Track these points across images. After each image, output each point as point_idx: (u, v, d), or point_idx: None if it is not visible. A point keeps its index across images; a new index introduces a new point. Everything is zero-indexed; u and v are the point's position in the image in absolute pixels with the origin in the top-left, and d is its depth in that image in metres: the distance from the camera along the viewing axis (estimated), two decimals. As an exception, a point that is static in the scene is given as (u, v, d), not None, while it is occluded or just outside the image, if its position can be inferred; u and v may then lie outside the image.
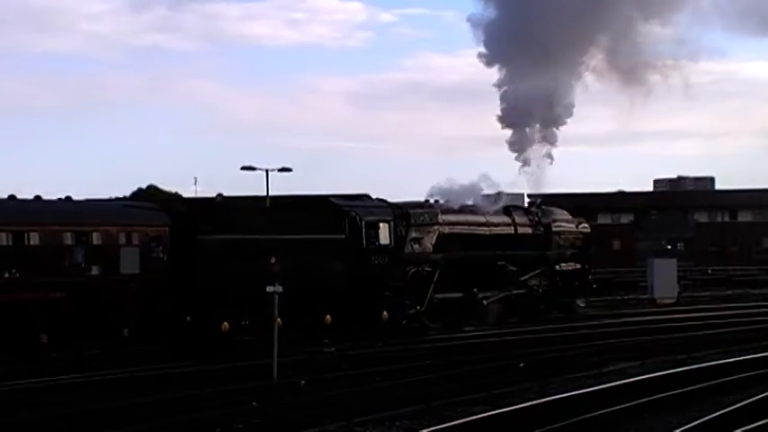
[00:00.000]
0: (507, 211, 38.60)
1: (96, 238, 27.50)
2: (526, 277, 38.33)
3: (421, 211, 35.14)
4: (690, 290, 54.54)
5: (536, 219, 39.70)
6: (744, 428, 14.23)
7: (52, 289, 25.77)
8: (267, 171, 48.15)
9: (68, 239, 26.97)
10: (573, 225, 41.70)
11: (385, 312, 32.06)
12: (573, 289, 40.77)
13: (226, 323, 27.61)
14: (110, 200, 30.50)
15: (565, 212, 41.95)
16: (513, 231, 38.42)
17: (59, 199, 29.04)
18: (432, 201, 36.65)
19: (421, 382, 20.63)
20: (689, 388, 18.81)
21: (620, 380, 20.11)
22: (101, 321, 26.31)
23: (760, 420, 14.66)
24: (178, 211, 29.77)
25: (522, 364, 23.30)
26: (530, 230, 39.17)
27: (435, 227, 35.02)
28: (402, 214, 34.02)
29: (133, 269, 27.46)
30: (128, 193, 68.01)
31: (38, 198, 28.13)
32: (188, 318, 27.00)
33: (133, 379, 21.76)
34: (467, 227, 36.48)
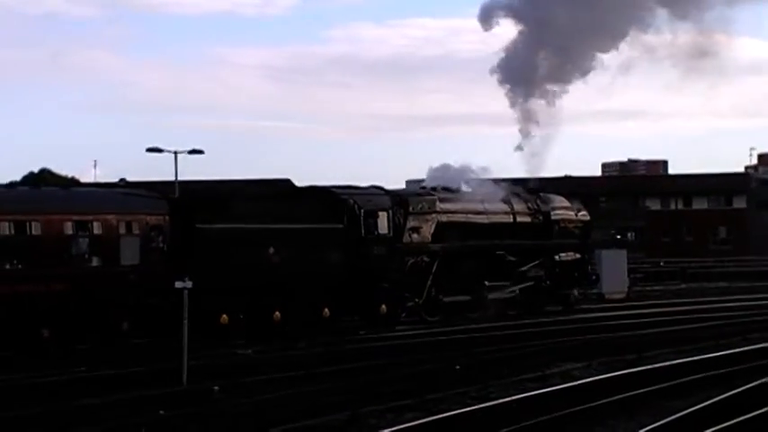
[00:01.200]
0: (506, 198, 39.52)
1: (97, 228, 28.16)
2: (525, 268, 39.22)
3: (419, 198, 36.24)
4: (641, 284, 55.25)
5: (535, 206, 40.61)
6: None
7: (54, 281, 26.58)
8: (176, 153, 47.71)
9: (69, 229, 27.66)
10: (572, 213, 42.64)
11: (383, 305, 33.37)
12: (572, 280, 41.65)
13: (225, 315, 29.00)
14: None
15: (564, 199, 42.82)
16: (511, 220, 39.40)
17: (58, 186, 29.62)
18: (428, 187, 37.78)
19: (348, 387, 20.60)
20: (637, 391, 19.01)
21: (564, 383, 20.28)
22: (101, 315, 27.17)
23: (713, 427, 14.84)
24: (177, 198, 30.46)
25: (458, 367, 23.41)
26: (528, 219, 40.15)
27: (434, 215, 36.14)
28: (400, 202, 35.19)
29: (133, 260, 28.44)
30: (18, 178, 66.74)
31: (36, 186, 28.69)
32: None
33: (34, 386, 21.39)
34: (465, 215, 37.49)
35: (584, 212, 43.47)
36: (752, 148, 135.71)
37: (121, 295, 27.81)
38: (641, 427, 15.43)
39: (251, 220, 30.73)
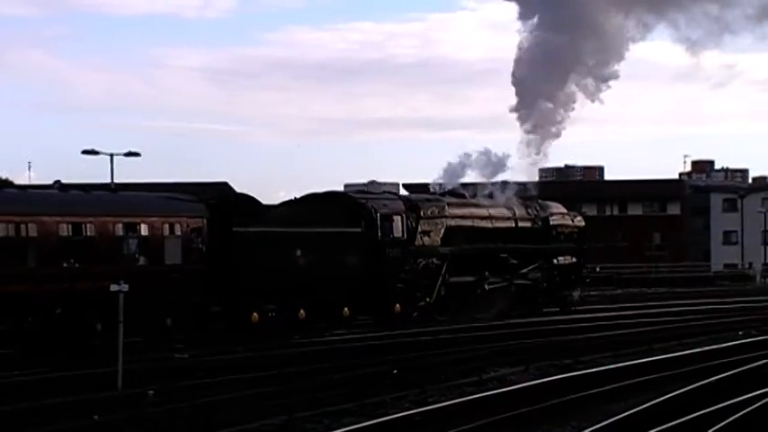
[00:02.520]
0: (507, 204, 41.61)
1: (144, 229, 29.84)
2: (526, 270, 41.27)
3: (430, 203, 38.26)
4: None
5: (535, 212, 42.76)
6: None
7: (106, 278, 26.96)
8: (112, 155, 47.44)
9: (120, 230, 29.32)
10: (569, 219, 44.87)
11: (398, 305, 35.57)
12: (569, 282, 43.75)
13: (255, 314, 31.00)
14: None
15: (561, 206, 45.15)
16: (513, 225, 41.60)
17: (112, 190, 31.96)
18: (432, 189, 40.50)
19: (285, 391, 20.49)
20: (574, 395, 19.12)
21: (501, 387, 20.33)
22: (147, 311, 28.36)
23: (649, 430, 14.96)
24: (215, 202, 32.50)
25: (395, 371, 23.40)
26: (529, 224, 42.31)
27: (443, 219, 38.22)
28: (412, 206, 37.23)
29: (176, 260, 30.18)
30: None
31: (85, 190, 30.64)
32: (216, 308, 30.47)
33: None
34: (471, 220, 39.74)
35: (579, 218, 46.01)
36: (686, 156, 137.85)
37: (165, 293, 29.34)
38: (578, 431, 15.51)
39: (281, 224, 32.92)
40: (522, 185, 43.20)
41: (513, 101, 42.66)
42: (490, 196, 41.22)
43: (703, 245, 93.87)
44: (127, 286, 21.23)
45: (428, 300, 37.00)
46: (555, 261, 42.96)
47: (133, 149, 47.66)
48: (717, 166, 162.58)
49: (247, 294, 30.93)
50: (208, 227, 30.99)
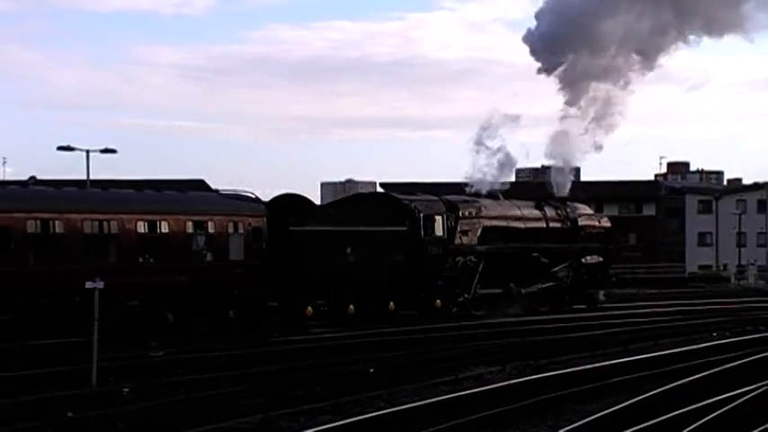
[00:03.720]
0: (539, 205, 43.79)
1: (211, 227, 31.91)
2: (556, 269, 43.10)
3: (467, 204, 40.36)
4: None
5: (564, 213, 44.61)
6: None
7: (177, 273, 30.35)
8: (88, 152, 47.26)
9: (190, 228, 31.34)
10: (596, 220, 47.06)
11: (438, 300, 37.89)
12: (596, 281, 45.47)
13: (310, 308, 33.42)
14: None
15: (588, 208, 47.50)
16: (544, 225, 43.41)
17: (180, 190, 33.91)
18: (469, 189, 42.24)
19: (262, 389, 20.43)
20: (549, 395, 19.13)
21: (476, 387, 20.32)
22: (213, 303, 31.08)
23: (622, 430, 14.98)
24: (273, 203, 34.69)
25: (371, 370, 23.37)
26: (559, 225, 44.11)
27: (480, 220, 40.26)
28: (451, 207, 39.29)
29: (239, 256, 32.27)
30: None
31: (157, 190, 32.78)
32: (273, 302, 32.73)
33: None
34: (506, 220, 41.65)
35: (605, 219, 48.21)
36: (662, 157, 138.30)
37: (229, 287, 31.53)
38: (553, 430, 15.52)
39: (332, 224, 35.11)
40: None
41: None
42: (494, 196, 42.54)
43: (678, 246, 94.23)
44: (102, 283, 21.17)
45: (466, 296, 39.00)
46: (583, 260, 44.58)
47: (110, 146, 47.46)
48: (692, 168, 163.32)
49: (302, 290, 33.20)
50: (267, 226, 32.86)
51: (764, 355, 25.01)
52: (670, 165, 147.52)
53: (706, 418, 15.77)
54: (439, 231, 38.41)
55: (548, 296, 42.47)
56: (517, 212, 42.35)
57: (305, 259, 33.32)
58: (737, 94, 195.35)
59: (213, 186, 50.37)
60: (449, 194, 41.49)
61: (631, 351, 27.15)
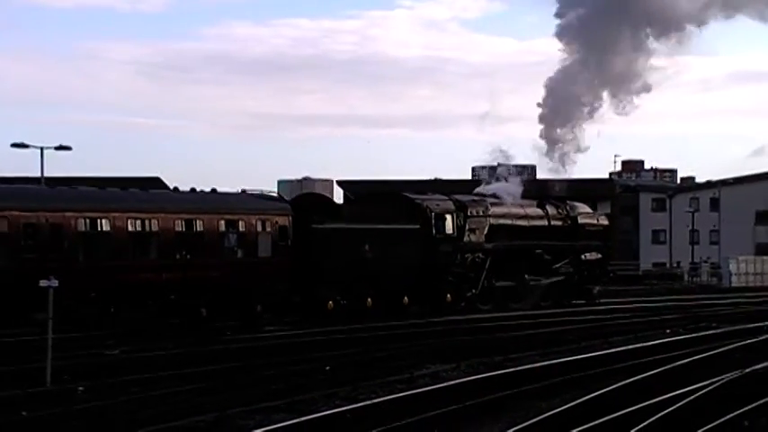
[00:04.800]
0: (541, 204, 45.53)
1: (242, 226, 33.55)
2: (558, 265, 44.81)
3: (475, 204, 42.16)
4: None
5: (564, 212, 46.29)
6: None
7: (211, 269, 31.97)
8: (42, 149, 46.96)
9: (222, 227, 33.01)
10: (595, 218, 48.61)
11: (449, 295, 39.59)
12: (595, 277, 47.22)
13: (330, 302, 35.13)
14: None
15: (586, 207, 48.95)
16: (546, 223, 45.15)
17: (212, 190, 34.89)
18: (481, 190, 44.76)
19: (217, 387, 20.38)
20: (504, 393, 19.22)
21: (431, 384, 20.38)
22: (243, 298, 32.84)
23: (576, 427, 15.07)
24: (297, 202, 36.53)
25: (328, 368, 23.38)
26: (560, 223, 45.80)
27: (487, 218, 42.04)
28: (460, 206, 41.05)
29: (266, 253, 33.93)
30: None
31: (193, 189, 34.05)
32: (296, 297, 34.51)
33: None
34: (511, 219, 43.41)
35: (603, 218, 49.73)
36: (616, 155, 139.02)
37: (257, 283, 33.21)
38: (508, 428, 15.59)
39: (352, 221, 36.78)
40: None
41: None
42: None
43: (632, 243, 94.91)
44: (57, 282, 20.96)
45: (474, 291, 40.77)
46: (583, 257, 46.18)
47: (64, 143, 47.14)
48: (646, 167, 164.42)
49: (324, 285, 35.04)
50: (292, 224, 34.51)
51: (717, 351, 25.26)
52: (625, 163, 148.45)
53: (658, 415, 15.91)
54: (449, 229, 40.12)
55: (550, 291, 44.11)
56: (521, 211, 44.12)
57: (326, 256, 35.16)
58: (691, 93, 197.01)
59: (169, 184, 50.19)
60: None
61: (585, 348, 27.32)
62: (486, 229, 41.88)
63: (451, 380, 21.02)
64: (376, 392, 19.67)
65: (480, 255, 41.37)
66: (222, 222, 32.98)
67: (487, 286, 41.40)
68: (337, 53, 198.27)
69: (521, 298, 42.73)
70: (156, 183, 63.01)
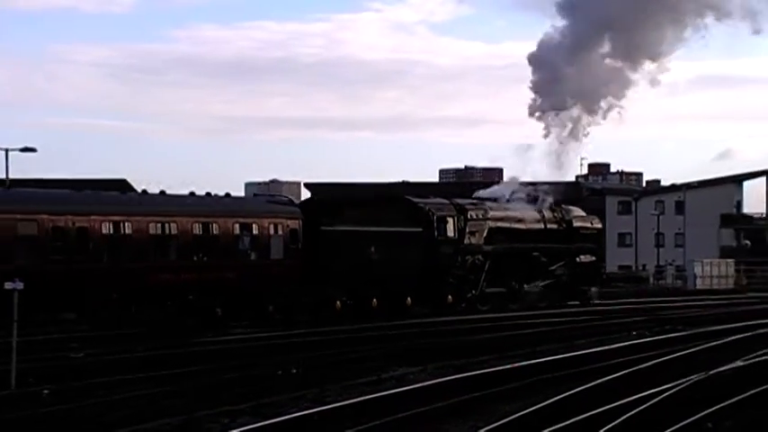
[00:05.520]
0: (537, 208, 46.58)
1: (255, 229, 34.69)
2: (553, 267, 46.11)
3: (476, 207, 43.38)
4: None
5: (560, 216, 47.65)
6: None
7: (226, 270, 33.15)
8: (7, 151, 46.79)
9: (237, 230, 34.18)
10: (589, 222, 50.04)
11: (450, 296, 40.73)
12: (589, 278, 48.59)
13: (338, 302, 36.16)
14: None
15: (581, 211, 50.51)
16: (543, 227, 46.51)
17: (226, 194, 36.08)
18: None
19: (184, 390, 20.33)
20: (471, 395, 19.28)
21: (398, 387, 20.41)
22: (256, 298, 34.00)
23: (541, 430, 15.15)
24: (306, 205, 37.75)
25: (294, 370, 23.37)
26: (556, 226, 47.12)
27: (487, 222, 43.21)
28: (461, 209, 42.19)
29: (278, 255, 35.11)
30: None
31: (208, 194, 35.17)
32: (306, 297, 35.28)
33: None
34: (509, 222, 44.74)
35: (597, 221, 51.20)
36: (582, 158, 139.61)
37: (270, 284, 34.33)
38: (474, 431, 15.65)
39: (358, 224, 37.68)
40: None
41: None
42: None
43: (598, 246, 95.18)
44: (22, 284, 20.85)
45: (474, 292, 41.88)
46: (577, 259, 47.51)
47: (30, 145, 46.94)
48: (612, 170, 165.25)
49: (333, 285, 36.10)
50: (302, 227, 35.70)
51: (682, 353, 25.44)
52: (591, 166, 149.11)
53: (623, 417, 16.01)
54: (450, 232, 41.26)
55: (546, 293, 45.32)
56: (519, 214, 45.46)
57: (335, 257, 36.24)
58: (657, 97, 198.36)
59: (136, 186, 50.03)
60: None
61: (551, 351, 27.41)
62: (486, 231, 43.04)
63: (418, 382, 21.05)
64: (343, 394, 19.68)
65: (480, 257, 42.54)
66: (237, 225, 34.15)
67: (487, 288, 42.60)
68: (305, 56, 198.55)
69: (518, 299, 43.91)
70: (122, 185, 62.78)
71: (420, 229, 39.89)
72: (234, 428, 15.69)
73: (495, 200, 45.64)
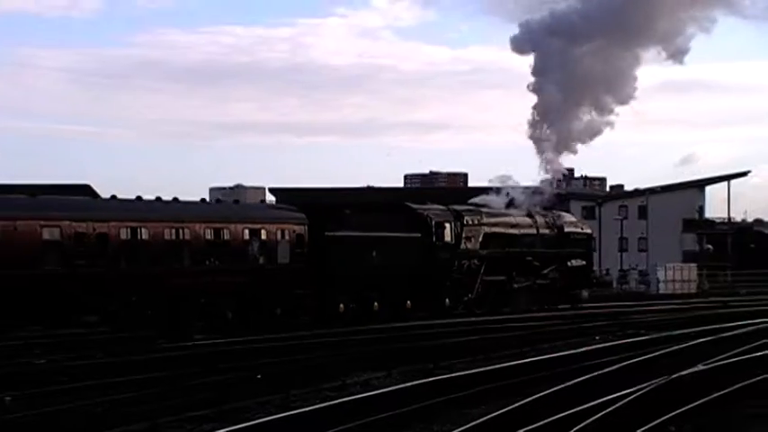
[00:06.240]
0: (529, 213, 48.21)
1: (263, 235, 35.92)
2: (546, 271, 47.65)
3: (471, 213, 44.87)
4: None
5: (551, 221, 49.21)
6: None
7: (237, 274, 34.27)
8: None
9: (246, 235, 35.36)
10: (579, 227, 52.20)
11: (447, 299, 42.26)
12: (579, 282, 50.33)
13: (342, 305, 37.52)
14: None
15: (571, 216, 53.49)
16: (535, 232, 48.03)
17: (235, 201, 38.35)
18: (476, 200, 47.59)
19: (147, 397, 20.22)
20: (436, 400, 19.28)
21: (363, 392, 20.38)
22: (264, 301, 35.22)
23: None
24: (312, 211, 38.20)
25: (259, 376, 23.30)
26: (548, 231, 48.69)
27: (482, 227, 44.71)
28: (457, 215, 43.72)
29: (285, 260, 36.37)
30: None
31: (218, 201, 37.45)
32: (311, 301, 36.52)
33: None
34: (503, 227, 46.33)
35: (587, 226, 53.56)
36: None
37: (277, 287, 35.56)
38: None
39: (361, 229, 38.92)
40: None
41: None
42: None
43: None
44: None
45: (470, 296, 43.27)
46: (568, 264, 49.09)
47: (-6, 151, 46.68)
48: (576, 174, 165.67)
49: (336, 289, 37.39)
50: (308, 232, 36.89)
51: (644, 358, 25.56)
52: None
53: (586, 422, 16.06)
54: (448, 237, 42.68)
55: (539, 296, 46.98)
56: (512, 220, 47.00)
57: (339, 262, 37.44)
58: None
59: (100, 192, 49.76)
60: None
61: (515, 356, 27.47)
62: (481, 237, 44.45)
63: (383, 387, 21.02)
64: (308, 400, 19.63)
65: (476, 261, 43.95)
66: (246, 231, 35.38)
67: (482, 291, 43.89)
68: (270, 61, 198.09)
69: (511, 303, 45.37)
70: (85, 190, 62.43)
71: (419, 235, 41.27)
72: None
73: (489, 206, 46.99)
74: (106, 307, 31.03)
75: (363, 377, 23.38)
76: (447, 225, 42.93)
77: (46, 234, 29.85)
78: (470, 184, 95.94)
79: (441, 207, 44.01)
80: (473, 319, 40.42)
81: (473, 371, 23.21)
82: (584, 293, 50.72)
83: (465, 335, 33.86)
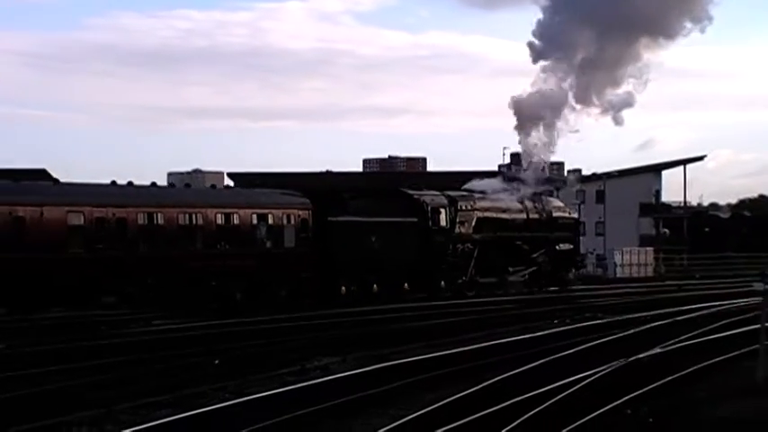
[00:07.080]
0: (520, 199, 49.38)
1: (270, 219, 37.19)
2: (535, 255, 48.93)
3: (465, 198, 46.08)
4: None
5: (540, 206, 50.47)
6: (446, 428, 14.66)
7: (246, 258, 35.52)
8: None
9: (255, 220, 36.68)
10: (567, 212, 53.50)
11: (442, 282, 43.54)
12: (567, 265, 52.02)
13: (343, 287, 38.74)
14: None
15: (559, 201, 54.21)
16: (525, 217, 49.33)
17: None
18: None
19: (102, 383, 20.04)
20: (392, 385, 19.24)
21: (321, 377, 20.31)
22: (270, 284, 36.46)
23: (463, 419, 15.15)
24: (315, 197, 39.29)
25: (216, 361, 23.16)
26: (537, 216, 49.94)
27: (475, 212, 46.03)
28: (452, 200, 44.84)
29: (291, 244, 37.62)
30: None
31: (228, 187, 38.48)
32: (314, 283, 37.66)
33: None
34: (495, 212, 47.51)
35: (573, 211, 55.28)
36: (505, 147, 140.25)
37: (283, 270, 36.82)
38: (394, 420, 15.61)
39: (362, 215, 40.29)
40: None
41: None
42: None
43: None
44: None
45: (464, 278, 44.44)
46: (557, 247, 50.38)
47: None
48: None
49: (339, 272, 38.56)
50: (312, 218, 38.10)
51: (601, 341, 25.66)
52: (513, 155, 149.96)
53: (544, 405, 16.08)
54: (443, 222, 43.91)
55: (528, 279, 48.18)
56: (503, 205, 48.20)
57: (341, 246, 38.59)
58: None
59: (57, 176, 49.27)
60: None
61: (473, 339, 27.49)
62: (474, 221, 45.65)
63: (341, 372, 20.96)
64: (266, 385, 19.52)
65: (469, 245, 45.17)
66: (254, 216, 36.61)
67: (475, 274, 45.16)
68: (228, 45, 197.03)
69: (503, 285, 46.50)
70: (42, 175, 61.73)
71: (415, 220, 42.51)
72: (153, 421, 15.45)
73: (482, 191, 47.96)
74: (124, 288, 32.26)
75: (323, 362, 23.26)
76: (442, 210, 44.12)
77: (71, 219, 31.19)
78: (429, 168, 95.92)
79: (436, 193, 45.05)
80: (424, 304, 40.43)
81: (430, 355, 23.20)
82: (571, 276, 52.26)
83: (424, 319, 33.82)
